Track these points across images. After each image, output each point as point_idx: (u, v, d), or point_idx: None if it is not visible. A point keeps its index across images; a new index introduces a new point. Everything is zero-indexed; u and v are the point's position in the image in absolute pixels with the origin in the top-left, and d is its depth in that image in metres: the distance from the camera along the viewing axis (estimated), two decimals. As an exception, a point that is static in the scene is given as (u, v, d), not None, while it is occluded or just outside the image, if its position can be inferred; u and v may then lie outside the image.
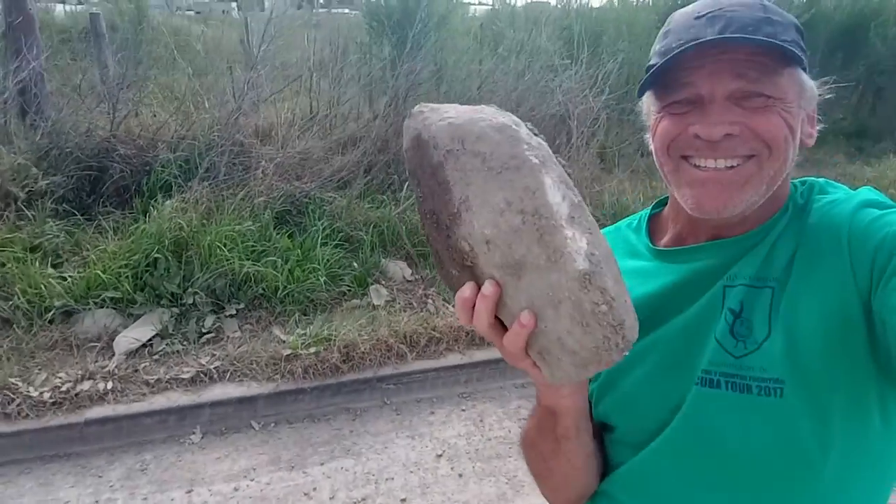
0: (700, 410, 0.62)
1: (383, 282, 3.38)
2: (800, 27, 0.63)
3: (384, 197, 3.65)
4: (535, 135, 0.53)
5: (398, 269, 3.46)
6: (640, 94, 0.65)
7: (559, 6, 4.97)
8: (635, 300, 0.57)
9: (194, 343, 2.76)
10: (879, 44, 6.16)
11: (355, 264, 3.34)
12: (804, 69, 0.62)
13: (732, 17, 0.59)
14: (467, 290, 0.52)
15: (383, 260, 3.43)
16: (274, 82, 3.92)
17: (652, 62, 0.63)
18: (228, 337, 2.85)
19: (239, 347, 2.76)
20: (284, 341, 2.82)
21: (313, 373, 2.71)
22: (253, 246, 3.10)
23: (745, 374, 0.60)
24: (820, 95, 0.65)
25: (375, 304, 3.20)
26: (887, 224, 0.57)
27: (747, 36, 0.57)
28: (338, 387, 2.75)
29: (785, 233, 0.63)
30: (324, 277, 3.09)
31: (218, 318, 2.93)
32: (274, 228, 3.27)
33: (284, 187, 3.38)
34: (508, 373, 2.98)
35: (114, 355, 2.62)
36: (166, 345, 2.72)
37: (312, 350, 2.73)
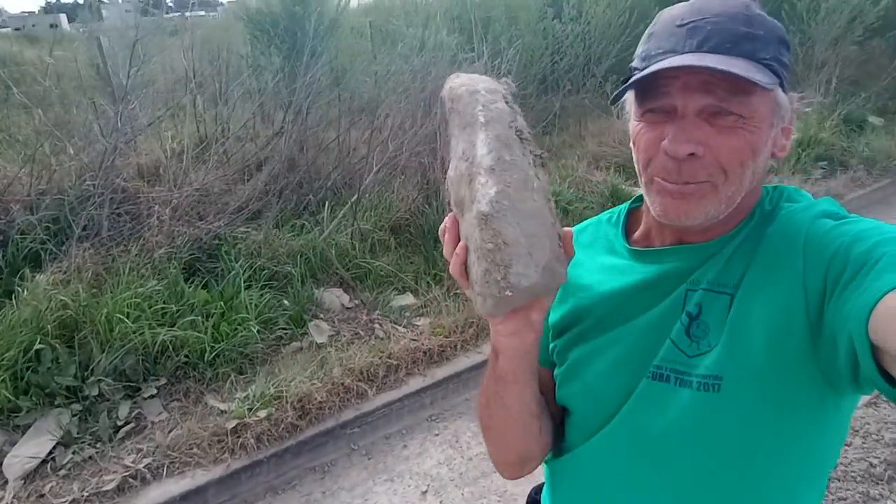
0: (644, 401, 0.67)
1: (321, 315, 3.06)
2: (784, 38, 0.64)
3: (304, 222, 3.30)
4: (507, 102, 0.60)
5: (335, 298, 3.15)
6: (620, 96, 0.68)
7: None
8: (608, 294, 0.72)
9: (110, 442, 2.29)
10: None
11: (286, 302, 2.99)
12: (782, 86, 0.62)
13: (713, 30, 0.61)
14: (446, 221, 0.63)
15: (317, 291, 3.11)
16: (150, 110, 3.39)
17: (634, 65, 0.66)
18: (153, 423, 2.41)
19: (170, 433, 2.34)
20: (225, 411, 2.43)
21: (268, 439, 2.36)
22: (164, 308, 2.65)
23: (692, 371, 0.64)
24: (802, 104, 0.68)
25: (319, 342, 2.89)
26: (842, 234, 0.59)
27: (714, 67, 0.57)
28: (298, 447, 2.43)
29: (747, 240, 0.66)
30: (256, 326, 2.72)
31: (134, 403, 2.47)
32: (186, 282, 2.82)
33: (188, 232, 2.93)
34: (471, 382, 2.84)
35: (7, 482, 2.10)
36: (73, 453, 2.23)
37: (262, 414, 2.38)
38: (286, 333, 2.87)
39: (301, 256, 3.10)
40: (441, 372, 2.81)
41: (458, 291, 3.19)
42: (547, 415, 0.77)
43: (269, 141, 3.48)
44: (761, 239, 0.65)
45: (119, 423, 2.36)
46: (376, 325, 3.02)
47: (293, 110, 3.26)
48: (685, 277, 0.68)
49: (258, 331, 2.72)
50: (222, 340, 2.64)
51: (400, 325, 3.01)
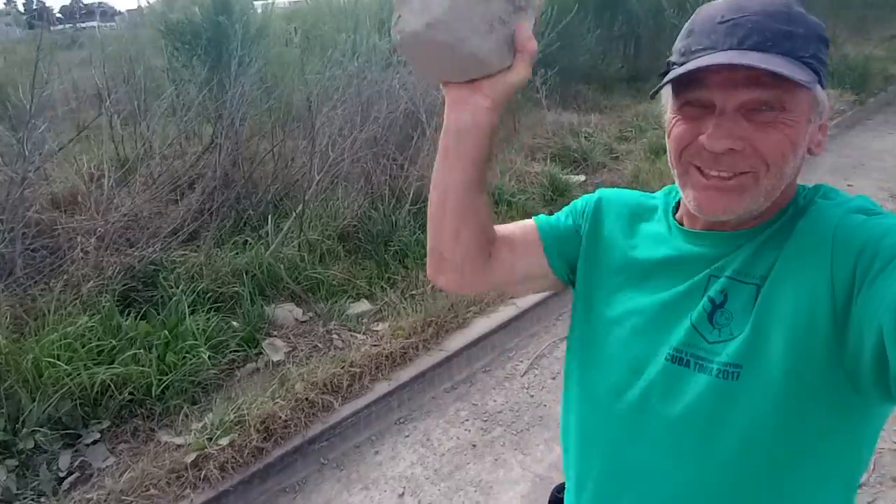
0: (662, 386, 0.68)
1: (275, 332, 2.92)
2: (824, 36, 0.64)
3: (247, 238, 3.15)
4: None
5: (287, 313, 3.02)
6: (659, 90, 0.67)
7: None
8: (641, 260, 0.75)
9: (55, 495, 2.07)
10: (635, 1, 7.05)
11: (236, 324, 2.84)
12: (821, 83, 0.63)
13: (753, 27, 0.61)
14: None
15: (268, 308, 2.97)
16: (59, 134, 3.12)
17: (672, 59, 0.66)
18: (100, 470, 2.20)
19: (122, 477, 2.14)
20: (182, 445, 2.26)
21: (232, 467, 2.22)
22: (99, 345, 2.43)
23: (712, 357, 0.65)
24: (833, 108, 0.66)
25: (275, 360, 2.75)
26: (873, 228, 0.59)
27: (757, 66, 0.57)
28: (265, 470, 2.30)
29: (778, 232, 0.66)
30: (206, 352, 2.55)
31: (76, 451, 2.25)
32: (122, 314, 2.61)
33: (118, 261, 2.72)
34: (436, 380, 2.81)
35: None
36: (16, 512, 2.01)
37: (224, 441, 2.23)
38: (239, 356, 2.72)
39: (247, 274, 2.96)
40: (405, 374, 2.75)
41: (414, 293, 3.15)
42: (474, 225, 0.76)
43: (199, 157, 3.30)
44: (792, 232, 0.65)
45: (62, 475, 2.14)
46: (334, 336, 2.92)
47: (224, 123, 3.10)
48: (711, 263, 0.69)
49: (209, 356, 2.56)
50: (170, 372, 2.46)
51: (359, 333, 2.92)
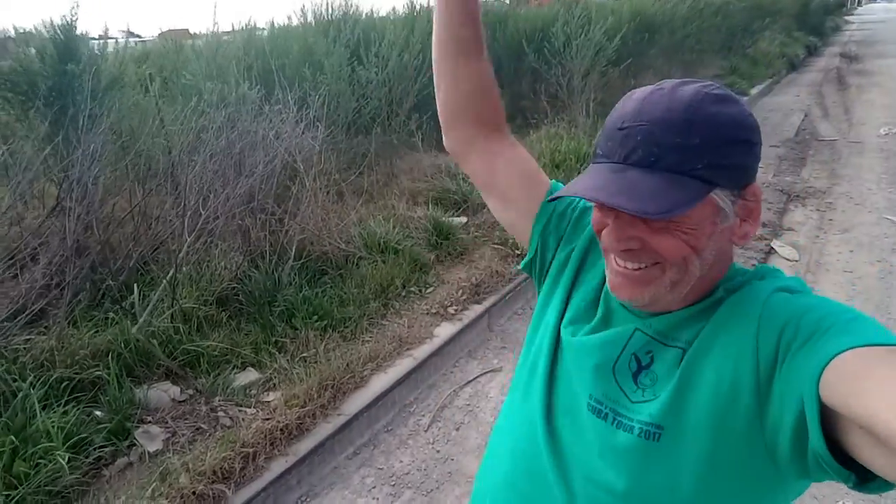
0: (587, 432, 0.71)
1: (149, 418, 2.63)
2: (735, 136, 0.63)
3: (108, 313, 2.80)
4: None
5: (162, 393, 2.73)
6: (557, 198, 0.73)
7: (230, 38, 4.55)
8: (590, 294, 0.80)
9: None
10: (496, 45, 7.51)
11: (100, 414, 2.50)
12: (729, 185, 0.64)
13: (642, 140, 0.63)
14: None
15: (138, 391, 2.66)
16: None
17: (595, 149, 0.70)
18: None
19: None
20: (41, 574, 1.93)
21: (107, 591, 1.94)
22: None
23: (633, 416, 0.67)
24: (748, 199, 0.67)
25: (152, 450, 2.47)
26: (796, 305, 0.62)
27: (620, 206, 0.61)
28: (149, 586, 2.04)
29: (707, 309, 0.69)
30: (64, 455, 2.22)
31: None
32: (-51, 423, 2.18)
33: (-59, 356, 2.27)
34: (336, 448, 2.69)
35: None
36: None
37: (95, 564, 1.94)
38: (107, 451, 2.40)
39: (111, 355, 2.63)
40: (303, 446, 2.60)
41: (306, 355, 3.02)
42: (470, 78, 0.88)
43: (42, 223, 2.90)
44: (721, 306, 0.67)
45: None
46: (220, 413, 2.70)
47: (72, 183, 2.76)
48: (638, 320, 0.73)
49: (69, 459, 2.22)
50: (20, 485, 2.10)
51: (248, 407, 2.73)
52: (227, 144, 3.22)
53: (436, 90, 0.91)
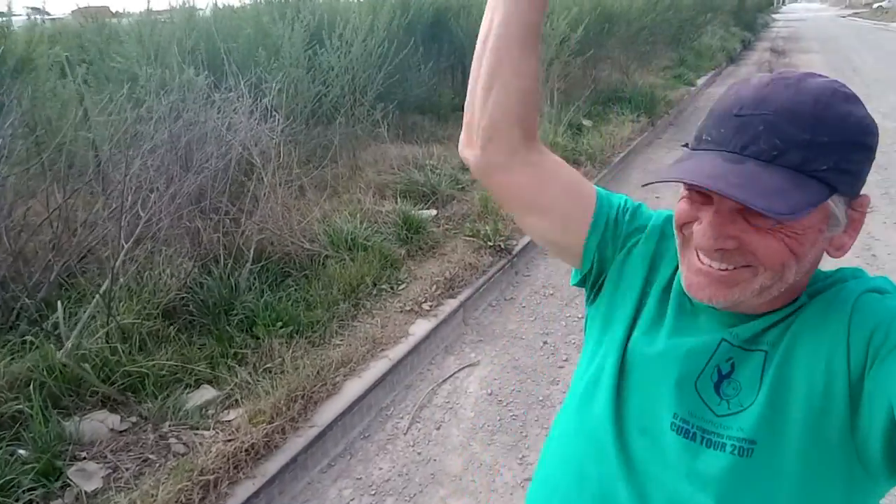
0: (671, 455, 0.65)
1: (84, 454, 2.24)
2: (858, 141, 0.58)
3: (27, 336, 2.40)
4: None
5: (98, 424, 2.34)
6: (653, 183, 0.64)
7: (169, 21, 4.13)
8: (669, 297, 0.73)
9: None
10: (460, 32, 7.35)
11: (24, 453, 2.12)
12: (842, 192, 0.59)
13: (764, 130, 0.57)
14: None
15: (68, 424, 2.28)
16: None
17: (692, 139, 0.64)
18: None
19: None
20: None
21: None
22: None
23: (723, 432, 0.63)
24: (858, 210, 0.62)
25: (89, 489, 2.10)
26: (888, 308, 0.59)
27: (735, 196, 0.55)
28: None
29: (792, 314, 0.65)
30: (-23, 505, 1.83)
31: None
32: None
33: None
34: (310, 462, 2.42)
35: None
36: None
37: None
38: (36, 494, 2.02)
39: (33, 384, 2.24)
40: (272, 465, 2.30)
41: (270, 365, 2.69)
42: (502, 93, 0.74)
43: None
44: (808, 309, 0.63)
45: None
46: (172, 440, 2.33)
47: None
48: (725, 327, 0.67)
49: (-15, 509, 1.84)
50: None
51: (205, 429, 2.38)
52: (170, 137, 2.86)
53: (478, 92, 0.76)
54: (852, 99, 0.58)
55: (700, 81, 11.26)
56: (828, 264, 0.67)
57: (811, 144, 0.56)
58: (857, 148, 0.58)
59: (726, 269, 0.61)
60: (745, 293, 0.61)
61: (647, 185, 0.65)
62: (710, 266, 0.62)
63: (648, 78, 9.80)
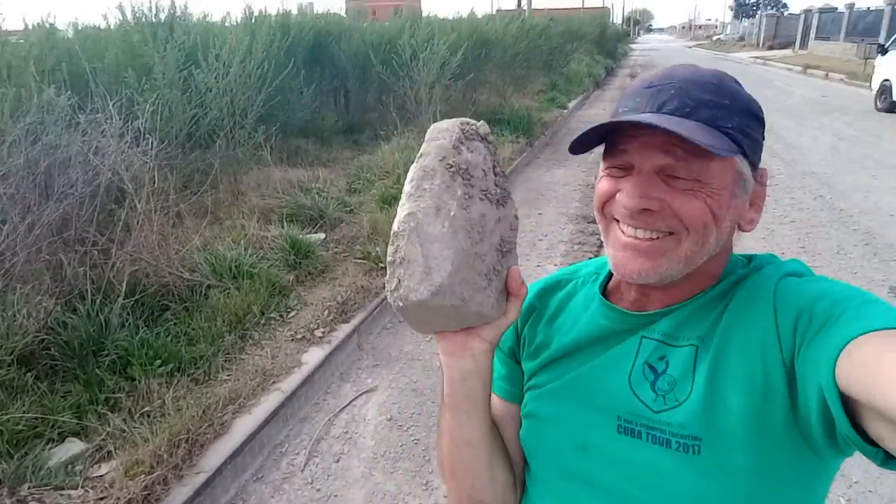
0: (622, 458, 0.66)
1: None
2: (755, 113, 0.65)
3: None
4: (456, 139, 0.64)
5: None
6: (577, 147, 0.67)
7: (25, 40, 3.71)
8: (573, 340, 0.74)
9: None
10: (342, 56, 7.37)
11: None
12: (747, 156, 0.63)
13: (675, 93, 0.62)
14: None
15: None
16: None
17: (609, 117, 0.66)
18: None
19: None
20: None
21: None
22: None
23: (664, 428, 0.63)
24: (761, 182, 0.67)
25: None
26: (807, 292, 0.61)
27: (665, 127, 0.57)
28: None
29: (712, 301, 0.66)
30: None
31: None
32: None
33: None
34: None
35: None
36: None
37: None
38: None
39: None
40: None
41: (149, 409, 2.51)
42: (503, 459, 0.77)
43: None
44: (731, 298, 0.65)
45: None
46: None
47: None
48: (641, 328, 0.69)
49: None
50: None
51: (72, 488, 2.17)
52: (27, 162, 2.58)
53: (458, 494, 0.78)
54: (738, 84, 0.66)
55: (571, 104, 12.25)
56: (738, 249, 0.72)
57: (716, 105, 0.61)
58: (752, 117, 0.64)
59: (650, 239, 0.63)
60: (672, 263, 0.63)
61: (574, 147, 0.67)
62: (636, 237, 0.64)
63: (524, 101, 10.48)
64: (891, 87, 11.18)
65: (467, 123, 0.67)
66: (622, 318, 0.70)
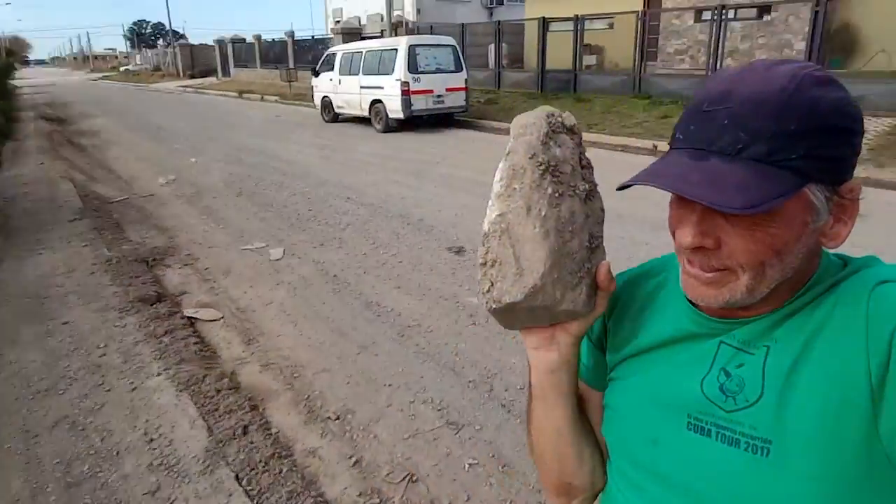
0: (690, 455, 0.66)
1: None
2: (833, 126, 0.57)
3: None
4: (544, 135, 0.64)
5: None
6: (626, 186, 0.65)
7: None
8: (656, 334, 0.73)
9: None
10: None
11: None
12: (817, 180, 0.58)
13: (728, 125, 0.57)
14: None
15: None
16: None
17: (671, 137, 0.65)
18: None
19: None
20: None
21: None
22: None
23: (735, 427, 0.63)
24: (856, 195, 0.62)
25: None
26: None
27: (696, 194, 0.56)
28: None
29: (799, 308, 0.64)
30: None
31: None
32: None
33: None
34: None
35: None
36: None
37: None
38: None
39: None
40: None
41: None
42: (591, 443, 0.81)
43: None
44: (818, 305, 0.62)
45: None
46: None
47: None
48: (722, 333, 0.68)
49: None
50: None
51: None
52: None
53: (551, 478, 0.83)
54: (824, 81, 0.57)
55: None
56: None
57: (777, 135, 0.55)
58: (831, 133, 0.56)
59: (708, 272, 0.62)
60: (734, 294, 0.62)
61: (621, 188, 0.66)
62: (697, 269, 0.63)
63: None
64: (330, 101, 13.77)
65: (552, 115, 0.66)
66: (705, 323, 0.69)
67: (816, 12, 10.05)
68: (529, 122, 0.64)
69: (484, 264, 0.62)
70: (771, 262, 0.59)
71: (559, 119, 0.65)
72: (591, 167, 0.68)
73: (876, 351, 0.55)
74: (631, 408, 0.73)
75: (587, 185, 0.66)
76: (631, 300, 0.78)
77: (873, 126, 8.61)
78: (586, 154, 0.68)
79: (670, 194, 0.62)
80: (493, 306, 0.63)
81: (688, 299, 0.70)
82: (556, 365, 0.73)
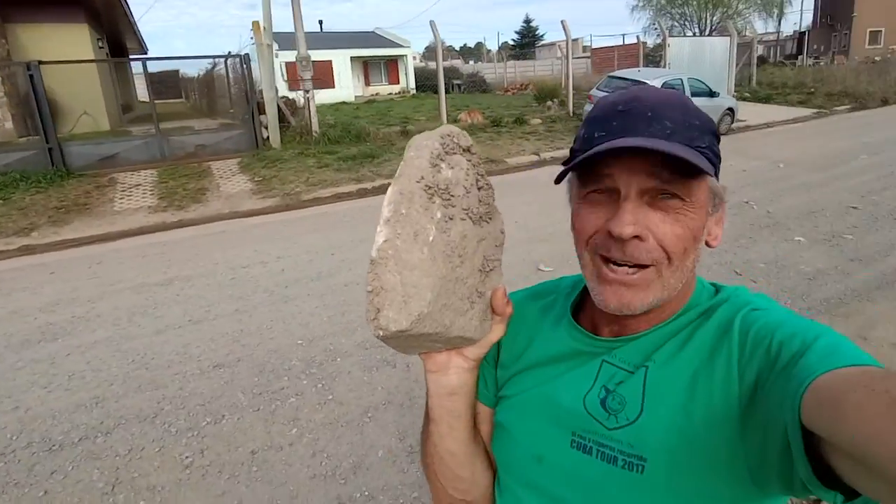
0: (572, 472, 0.69)
1: None
2: (715, 132, 0.66)
3: None
4: (435, 156, 0.62)
5: None
6: (563, 177, 0.67)
7: None
8: (541, 353, 0.76)
9: None
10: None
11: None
12: (715, 175, 0.64)
13: (653, 116, 0.62)
14: None
15: None
16: None
17: (575, 146, 0.68)
18: None
19: None
20: None
21: None
22: None
23: (614, 445, 0.66)
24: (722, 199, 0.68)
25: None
26: (773, 326, 0.60)
27: (665, 151, 0.58)
28: None
29: (677, 329, 0.68)
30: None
31: None
32: None
33: None
34: None
35: None
36: None
37: None
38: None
39: None
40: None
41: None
42: (486, 463, 0.80)
43: None
44: (695, 328, 0.66)
45: None
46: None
47: None
48: (604, 353, 0.71)
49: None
50: None
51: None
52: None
53: (442, 497, 0.82)
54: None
55: None
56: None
57: (690, 126, 0.62)
58: (714, 135, 0.65)
59: (635, 273, 0.63)
60: (657, 293, 0.64)
61: (559, 178, 0.66)
62: (622, 271, 0.64)
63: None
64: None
65: (448, 136, 0.64)
66: (587, 342, 0.72)
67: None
68: (422, 144, 0.62)
69: (370, 291, 0.58)
70: (689, 250, 0.63)
71: (454, 140, 0.63)
72: (491, 188, 0.67)
73: (744, 375, 0.59)
74: (518, 425, 0.74)
75: (483, 208, 0.65)
76: (520, 319, 0.79)
77: (140, 179, 8.41)
78: (485, 175, 0.66)
79: (578, 202, 0.66)
80: (381, 334, 0.58)
81: (571, 321, 0.74)
82: (452, 389, 0.72)
